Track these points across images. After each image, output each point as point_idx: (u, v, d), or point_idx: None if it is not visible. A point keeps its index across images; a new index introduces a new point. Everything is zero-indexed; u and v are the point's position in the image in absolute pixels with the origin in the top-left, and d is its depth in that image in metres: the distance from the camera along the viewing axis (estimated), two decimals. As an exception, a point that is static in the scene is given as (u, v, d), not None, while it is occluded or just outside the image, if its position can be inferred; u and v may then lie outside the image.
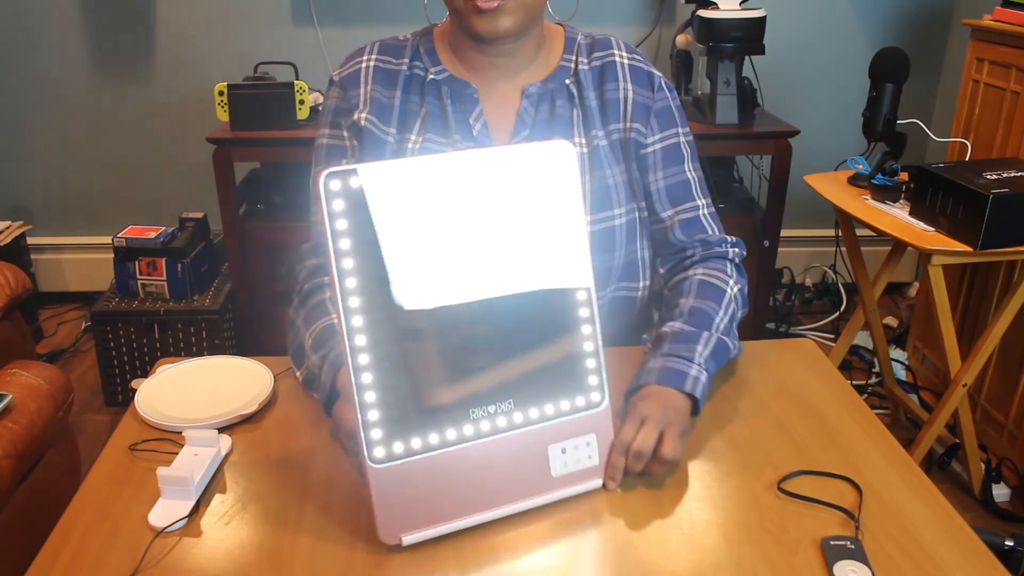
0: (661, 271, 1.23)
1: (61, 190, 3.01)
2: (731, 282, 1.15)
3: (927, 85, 3.03)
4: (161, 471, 0.89)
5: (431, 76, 1.17)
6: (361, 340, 0.80)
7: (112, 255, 2.45)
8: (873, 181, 2.01)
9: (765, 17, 2.39)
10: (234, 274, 2.56)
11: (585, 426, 0.91)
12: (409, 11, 2.83)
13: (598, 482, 0.92)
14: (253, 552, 0.83)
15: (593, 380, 0.91)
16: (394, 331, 0.82)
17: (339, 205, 0.79)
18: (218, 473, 0.95)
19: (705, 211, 1.21)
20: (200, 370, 1.14)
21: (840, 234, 2.30)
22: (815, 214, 3.02)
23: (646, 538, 0.86)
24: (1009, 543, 1.69)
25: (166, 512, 0.88)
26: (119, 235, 2.44)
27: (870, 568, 0.81)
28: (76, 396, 2.28)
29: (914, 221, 1.88)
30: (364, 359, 0.81)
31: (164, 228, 2.48)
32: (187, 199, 2.97)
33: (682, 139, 1.21)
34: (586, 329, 0.90)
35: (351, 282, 0.80)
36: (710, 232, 1.20)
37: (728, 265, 1.18)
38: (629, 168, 1.19)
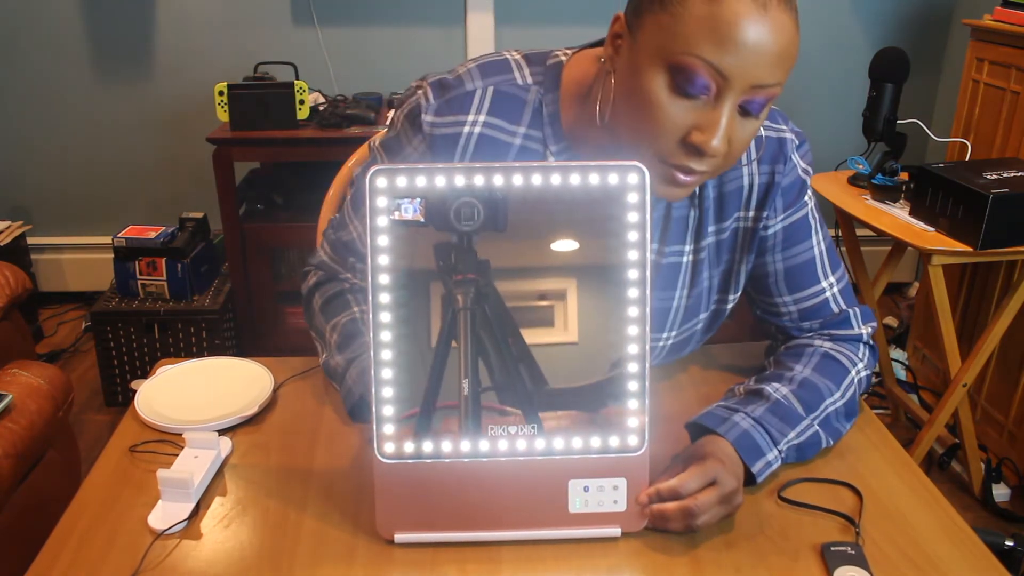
0: (779, 336, 1.10)
1: (61, 190, 3.01)
2: (860, 365, 1.02)
3: (927, 85, 3.02)
4: (161, 473, 0.89)
5: (551, 158, 0.97)
6: (386, 336, 0.82)
7: (112, 255, 2.45)
8: (873, 181, 2.01)
9: (765, 17, 2.38)
10: (234, 274, 2.56)
11: (615, 468, 0.84)
12: (410, 11, 2.83)
13: (617, 531, 0.85)
14: (253, 555, 0.83)
15: (633, 422, 0.83)
16: (421, 331, 0.82)
17: (383, 202, 0.81)
18: (218, 475, 0.95)
19: (832, 291, 1.05)
20: (200, 371, 1.14)
21: (840, 234, 2.30)
22: (815, 214, 3.02)
23: (647, 546, 0.86)
24: (1009, 543, 1.69)
25: (166, 514, 0.88)
26: (119, 235, 2.44)
27: (871, 573, 0.80)
28: (76, 396, 2.28)
29: (914, 221, 1.88)
30: (387, 355, 0.82)
31: (164, 228, 2.48)
32: (187, 199, 2.96)
33: (809, 206, 1.04)
34: (631, 367, 0.83)
35: (384, 279, 0.81)
36: (835, 311, 1.05)
37: (862, 348, 1.04)
38: (736, 259, 1.04)
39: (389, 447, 0.83)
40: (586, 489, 0.85)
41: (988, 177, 1.78)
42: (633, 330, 0.83)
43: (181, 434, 0.99)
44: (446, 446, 0.83)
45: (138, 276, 2.44)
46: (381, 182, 0.81)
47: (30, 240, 2.95)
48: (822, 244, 1.05)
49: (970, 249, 1.74)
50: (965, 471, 2.14)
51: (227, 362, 1.16)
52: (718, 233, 1.03)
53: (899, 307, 3.04)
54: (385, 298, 0.81)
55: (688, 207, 1.01)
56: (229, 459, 0.98)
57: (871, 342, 1.06)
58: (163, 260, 2.43)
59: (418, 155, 0.99)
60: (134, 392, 1.08)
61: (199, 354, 2.37)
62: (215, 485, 0.93)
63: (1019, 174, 1.80)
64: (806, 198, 1.04)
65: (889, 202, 1.98)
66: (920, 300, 2.59)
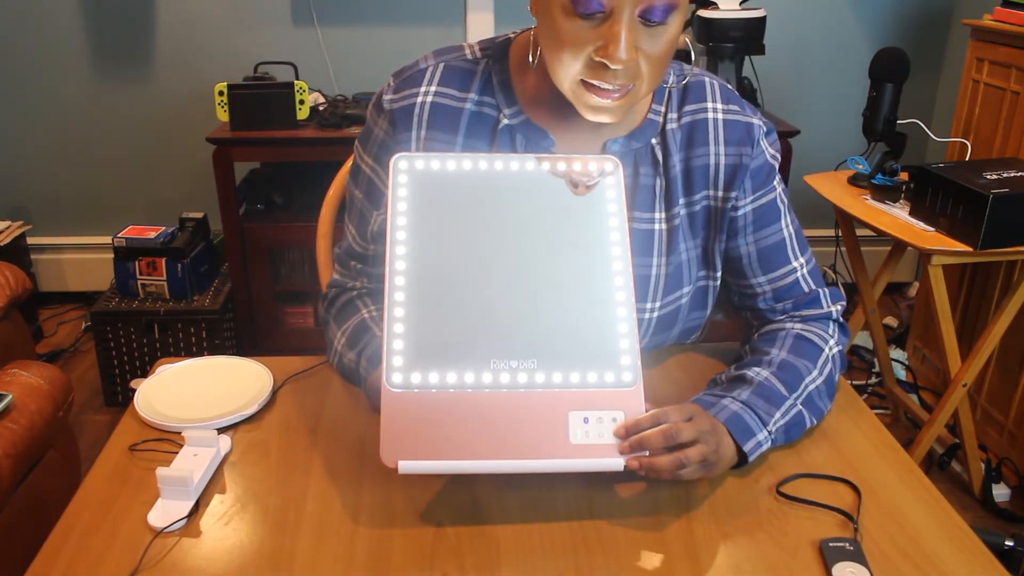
0: (752, 326, 1.14)
1: (61, 190, 3.02)
2: (831, 342, 1.05)
3: (927, 85, 3.03)
4: (160, 471, 0.89)
5: (505, 121, 1.03)
6: (400, 280, 0.90)
7: (112, 255, 2.46)
8: (873, 181, 2.01)
9: (765, 17, 2.39)
10: (234, 274, 2.56)
11: (612, 402, 0.88)
12: (410, 11, 2.83)
13: (620, 462, 0.86)
14: (252, 552, 0.83)
15: (626, 360, 0.89)
16: (431, 279, 0.91)
17: (403, 179, 0.94)
18: (217, 473, 0.95)
19: (803, 271, 1.09)
20: (200, 370, 1.14)
21: (840, 234, 2.31)
22: (815, 214, 3.02)
23: (646, 543, 0.86)
24: (1009, 543, 1.69)
25: (165, 512, 0.88)
26: (119, 235, 2.44)
27: (869, 569, 0.81)
28: (76, 396, 2.28)
29: (914, 221, 1.88)
30: (400, 296, 0.90)
31: (164, 228, 2.48)
32: (187, 199, 2.97)
33: (778, 191, 1.09)
34: (621, 312, 0.90)
35: (401, 235, 0.92)
36: (806, 290, 1.10)
37: (831, 326, 1.08)
38: (711, 237, 1.09)
39: (397, 377, 0.87)
40: (586, 421, 0.88)
41: (988, 177, 1.78)
42: (619, 280, 0.92)
43: (180, 432, 0.99)
44: (451, 378, 0.87)
45: (138, 276, 2.44)
46: (403, 165, 0.95)
47: (30, 240, 2.96)
48: (791, 227, 1.10)
49: (970, 249, 1.74)
50: (965, 471, 2.14)
51: (227, 361, 1.16)
52: (688, 206, 1.07)
53: (899, 307, 3.04)
54: (401, 250, 0.91)
55: (654, 175, 1.06)
56: (228, 457, 0.98)
57: (840, 319, 1.10)
58: (163, 260, 2.43)
59: (384, 133, 1.06)
60: (134, 391, 1.08)
61: (199, 354, 2.37)
62: (214, 483, 0.93)
63: (1019, 174, 1.80)
64: (775, 183, 1.09)
65: (889, 202, 1.98)
66: (920, 300, 2.59)
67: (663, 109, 1.06)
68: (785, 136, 2.44)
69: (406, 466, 0.85)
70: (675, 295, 1.10)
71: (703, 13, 2.39)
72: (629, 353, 0.90)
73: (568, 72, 0.91)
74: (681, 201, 1.07)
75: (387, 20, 2.84)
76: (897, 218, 1.90)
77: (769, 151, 1.08)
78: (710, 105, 1.06)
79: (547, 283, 0.91)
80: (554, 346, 0.89)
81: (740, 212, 1.07)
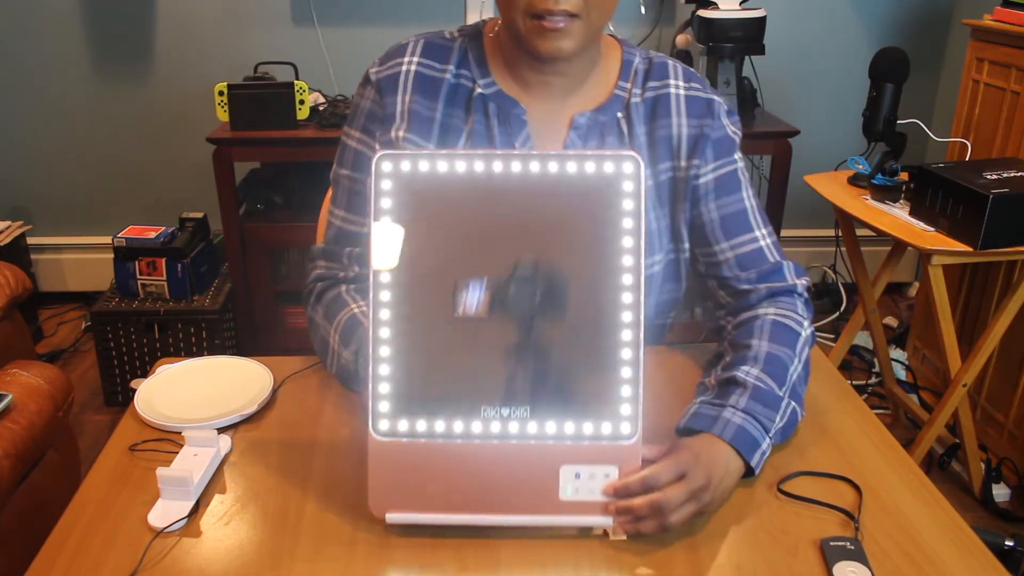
0: (723, 304, 1.14)
1: (61, 190, 3.02)
2: (805, 323, 1.08)
3: (927, 85, 3.03)
4: (160, 471, 0.89)
5: (479, 90, 1.09)
6: (385, 314, 0.84)
7: (112, 255, 2.45)
8: (873, 181, 2.01)
9: (765, 17, 2.39)
10: (234, 274, 2.56)
11: (607, 456, 0.84)
12: (410, 11, 2.83)
13: (609, 520, 0.85)
14: (252, 552, 0.83)
15: (626, 410, 0.84)
16: (419, 314, 0.84)
17: (387, 185, 0.84)
18: (218, 473, 0.95)
19: (766, 241, 1.12)
20: (200, 370, 1.14)
21: (840, 234, 2.31)
22: (815, 214, 3.03)
23: (646, 542, 0.86)
24: (1009, 543, 1.69)
25: (166, 512, 0.88)
26: (119, 235, 2.44)
27: (870, 569, 0.81)
28: (76, 396, 2.28)
29: (914, 221, 1.88)
30: (385, 333, 0.84)
31: (164, 228, 2.48)
32: (187, 199, 2.96)
33: (739, 165, 1.13)
34: (625, 354, 0.83)
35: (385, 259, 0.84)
36: (771, 260, 1.11)
37: (798, 302, 1.10)
38: (676, 208, 1.12)
39: (384, 424, 0.84)
40: (577, 476, 0.85)
41: (988, 177, 1.78)
42: (628, 316, 0.84)
43: (181, 432, 0.99)
44: (440, 426, 0.84)
45: (138, 276, 2.44)
46: (386, 166, 0.84)
47: (30, 240, 2.96)
48: (752, 200, 1.13)
49: (970, 249, 1.74)
50: (965, 471, 2.14)
51: (227, 361, 1.16)
52: (654, 176, 1.11)
53: (899, 307, 3.04)
54: (385, 278, 0.84)
55: (618, 146, 1.11)
56: (228, 457, 0.98)
57: (805, 294, 1.12)
58: (163, 260, 2.43)
59: (371, 102, 1.11)
60: (134, 391, 1.08)
61: (199, 354, 2.37)
62: (215, 483, 0.93)
63: (1019, 174, 1.80)
64: (736, 156, 1.13)
65: (889, 202, 1.98)
66: (920, 300, 2.59)
67: (628, 86, 1.11)
68: (785, 136, 2.44)
69: (394, 518, 0.84)
70: (647, 261, 1.12)
71: (703, 13, 2.39)
72: (630, 402, 0.84)
73: (518, 7, 0.98)
74: (647, 172, 1.10)
75: (387, 20, 2.84)
76: (897, 218, 1.90)
77: (730, 127, 1.13)
78: (672, 82, 1.11)
79: (545, 318, 0.84)
80: (549, 391, 0.83)
81: (702, 180, 1.11)
